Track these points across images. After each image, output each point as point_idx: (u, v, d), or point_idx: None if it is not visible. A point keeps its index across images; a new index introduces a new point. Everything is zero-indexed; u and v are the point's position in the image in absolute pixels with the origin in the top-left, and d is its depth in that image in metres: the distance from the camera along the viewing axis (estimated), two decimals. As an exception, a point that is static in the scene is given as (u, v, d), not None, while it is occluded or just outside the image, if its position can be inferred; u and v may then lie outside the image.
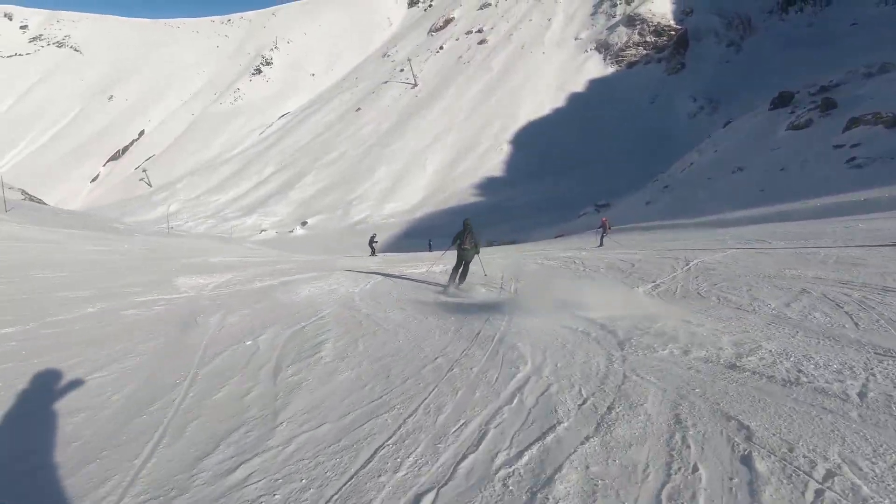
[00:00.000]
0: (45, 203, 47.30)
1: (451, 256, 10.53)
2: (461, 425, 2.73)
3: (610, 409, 2.78)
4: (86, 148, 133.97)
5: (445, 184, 77.31)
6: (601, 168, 68.61)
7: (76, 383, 3.70)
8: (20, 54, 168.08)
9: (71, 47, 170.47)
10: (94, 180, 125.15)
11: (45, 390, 3.62)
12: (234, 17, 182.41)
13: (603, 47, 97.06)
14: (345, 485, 2.25)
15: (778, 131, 36.33)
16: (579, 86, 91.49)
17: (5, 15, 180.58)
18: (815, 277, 5.94)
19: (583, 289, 6.57)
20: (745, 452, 2.24)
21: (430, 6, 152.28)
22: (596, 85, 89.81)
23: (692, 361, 3.43)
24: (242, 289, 8.88)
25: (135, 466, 2.54)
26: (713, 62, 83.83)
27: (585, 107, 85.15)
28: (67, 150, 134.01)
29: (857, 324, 3.98)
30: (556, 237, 38.17)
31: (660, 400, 2.84)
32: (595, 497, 2.03)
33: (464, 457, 2.40)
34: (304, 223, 74.16)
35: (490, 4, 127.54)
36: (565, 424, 2.64)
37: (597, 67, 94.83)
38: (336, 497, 2.16)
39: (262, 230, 74.47)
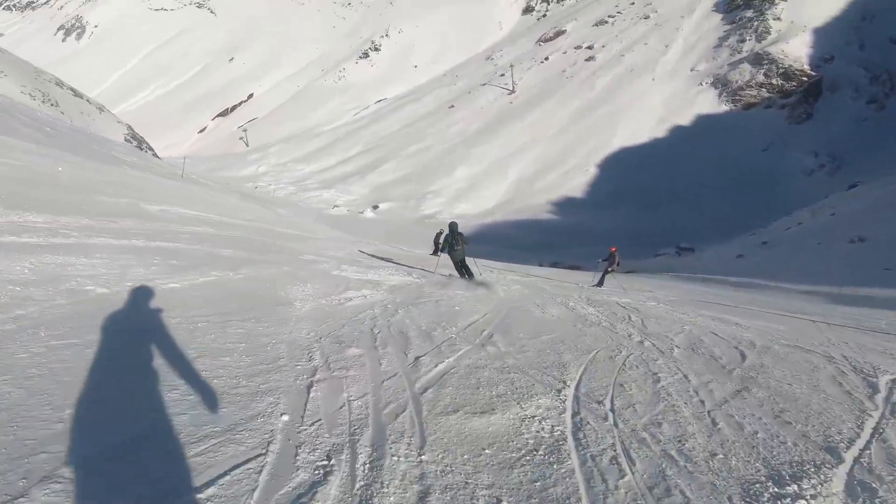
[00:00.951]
0: (151, 147, 50.93)
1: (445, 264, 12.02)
2: None
3: None
4: (201, 102, 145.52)
5: (523, 195, 75.29)
6: (689, 209, 63.50)
7: None
8: (165, 9, 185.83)
9: (208, 9, 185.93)
10: (201, 132, 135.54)
11: None
12: (356, 0, 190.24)
13: (720, 83, 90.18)
14: None
15: (916, 205, 31.20)
16: (685, 119, 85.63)
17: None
18: None
19: None
20: None
21: (545, 16, 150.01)
22: (704, 121, 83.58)
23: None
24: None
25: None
26: (846, 118, 75.04)
27: (686, 142, 79.49)
28: (186, 101, 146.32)
29: None
30: (628, 272, 35.34)
31: None
32: None
33: None
34: (375, 207, 75.26)
35: (607, 22, 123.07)
36: None
37: (709, 103, 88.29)
38: None
39: (335, 206, 76.50)
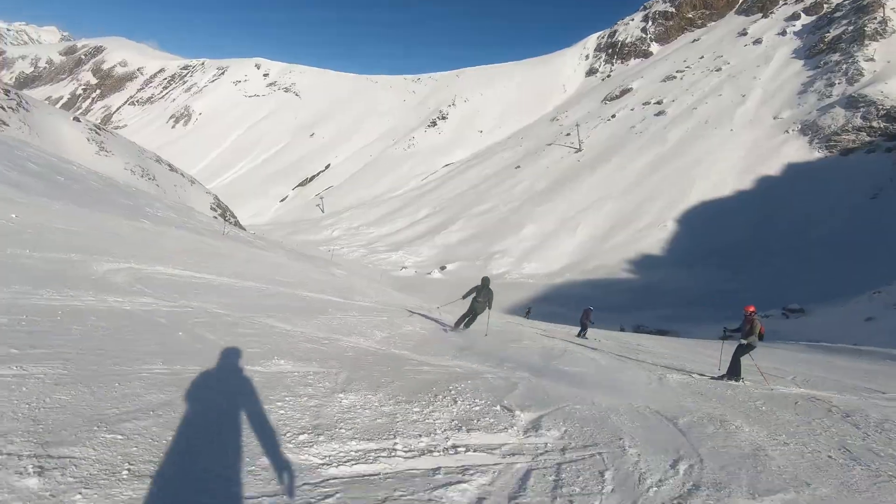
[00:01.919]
0: (234, 215, 54.46)
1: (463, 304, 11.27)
2: None
3: None
4: (284, 173, 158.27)
5: (595, 253, 71.78)
6: (787, 266, 56.64)
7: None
8: (258, 95, 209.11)
9: (294, 92, 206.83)
10: (282, 200, 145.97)
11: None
12: (424, 76, 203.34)
13: (810, 129, 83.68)
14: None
15: None
16: (772, 169, 79.43)
17: (255, 65, 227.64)
18: None
19: None
20: None
21: (609, 76, 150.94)
22: (795, 170, 77.01)
23: None
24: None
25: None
26: (970, 160, 65.95)
27: (777, 193, 73.08)
28: (270, 173, 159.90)
29: None
30: (721, 339, 31.00)
31: None
32: None
33: None
34: (442, 267, 74.82)
35: (675, 77, 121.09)
36: None
37: (798, 151, 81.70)
38: None
39: (403, 267, 77.07)
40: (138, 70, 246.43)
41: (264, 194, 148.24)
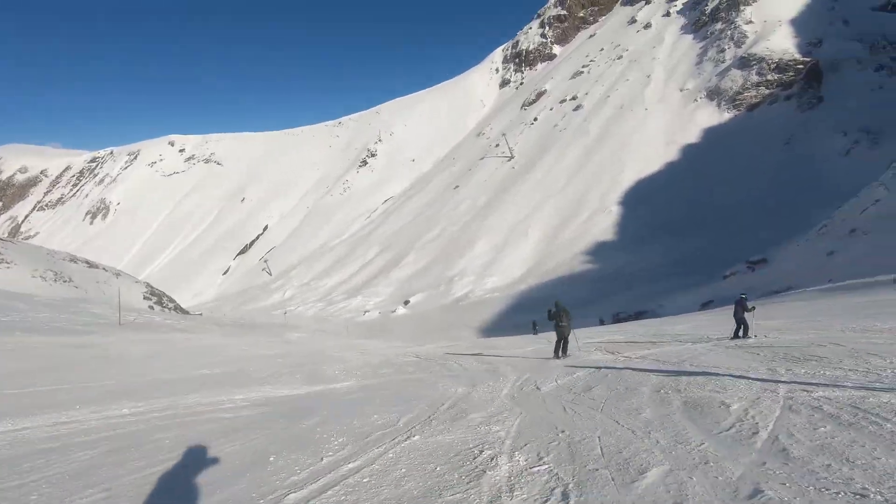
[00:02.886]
0: (172, 300, 49.96)
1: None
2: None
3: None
4: (220, 245, 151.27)
5: (551, 253, 71.66)
6: (733, 221, 58.56)
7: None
8: (177, 172, 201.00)
9: (215, 162, 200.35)
10: (225, 273, 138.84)
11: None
12: (345, 119, 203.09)
13: (715, 94, 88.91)
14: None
15: None
16: (692, 136, 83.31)
17: (169, 142, 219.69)
18: None
19: None
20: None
21: (521, 83, 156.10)
22: (712, 133, 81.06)
23: None
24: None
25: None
26: (861, 90, 71.59)
27: (703, 158, 76.38)
28: (206, 247, 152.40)
29: None
30: (703, 305, 30.45)
31: None
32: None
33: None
34: (406, 302, 72.23)
35: (582, 72, 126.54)
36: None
37: (710, 116, 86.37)
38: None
39: (365, 311, 73.79)
40: (41, 173, 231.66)
41: (203, 271, 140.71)
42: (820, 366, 6.04)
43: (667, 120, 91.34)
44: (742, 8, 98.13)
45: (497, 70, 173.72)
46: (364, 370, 10.20)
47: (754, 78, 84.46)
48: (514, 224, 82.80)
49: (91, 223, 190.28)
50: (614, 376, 6.72)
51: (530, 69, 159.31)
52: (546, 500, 2.79)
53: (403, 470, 3.56)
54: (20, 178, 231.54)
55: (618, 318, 35.02)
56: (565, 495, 2.81)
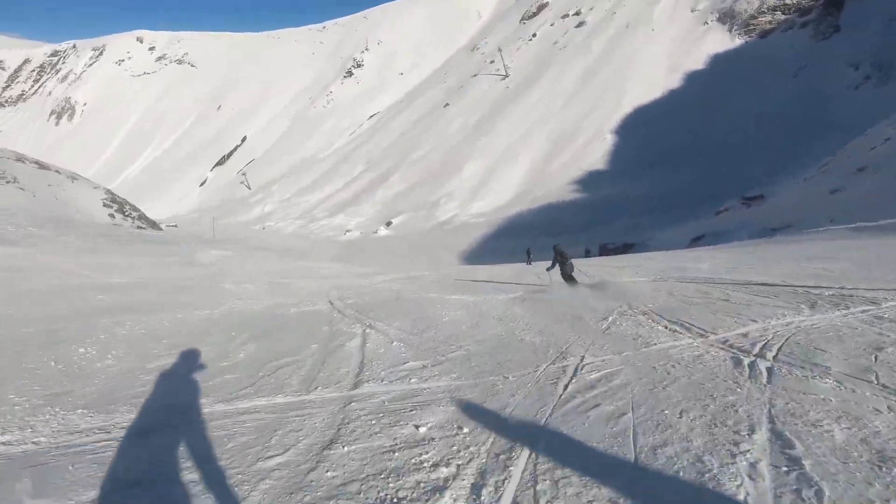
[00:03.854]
0: (136, 209, 47.16)
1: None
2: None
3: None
4: (197, 154, 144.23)
5: (541, 179, 69.61)
6: (733, 155, 56.68)
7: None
8: (147, 73, 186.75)
9: (188, 63, 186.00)
10: (202, 184, 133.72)
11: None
12: (329, 23, 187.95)
13: (727, 17, 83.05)
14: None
15: None
16: (698, 63, 78.75)
17: (137, 39, 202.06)
18: None
19: None
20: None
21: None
22: (720, 60, 76.60)
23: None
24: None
25: None
26: (880, 22, 67.13)
27: (707, 86, 72.65)
28: (181, 157, 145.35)
29: None
30: (693, 241, 29.49)
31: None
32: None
33: None
34: (388, 223, 70.68)
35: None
36: None
37: (720, 41, 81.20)
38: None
39: (346, 230, 72.21)
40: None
41: (180, 179, 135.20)
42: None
43: (673, 43, 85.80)
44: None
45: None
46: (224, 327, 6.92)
47: (771, 1, 78.59)
48: (506, 148, 79.60)
49: (57, 124, 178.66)
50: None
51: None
52: None
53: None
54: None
55: (605, 250, 34.10)
56: None
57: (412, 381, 4.26)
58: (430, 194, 75.62)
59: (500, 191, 70.55)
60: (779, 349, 4.33)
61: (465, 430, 3.17)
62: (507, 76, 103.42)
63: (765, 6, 78.95)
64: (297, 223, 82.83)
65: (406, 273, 18.90)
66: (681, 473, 2.49)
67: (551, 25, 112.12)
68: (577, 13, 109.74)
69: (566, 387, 3.82)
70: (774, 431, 2.83)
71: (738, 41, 79.20)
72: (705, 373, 3.91)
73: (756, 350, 4.36)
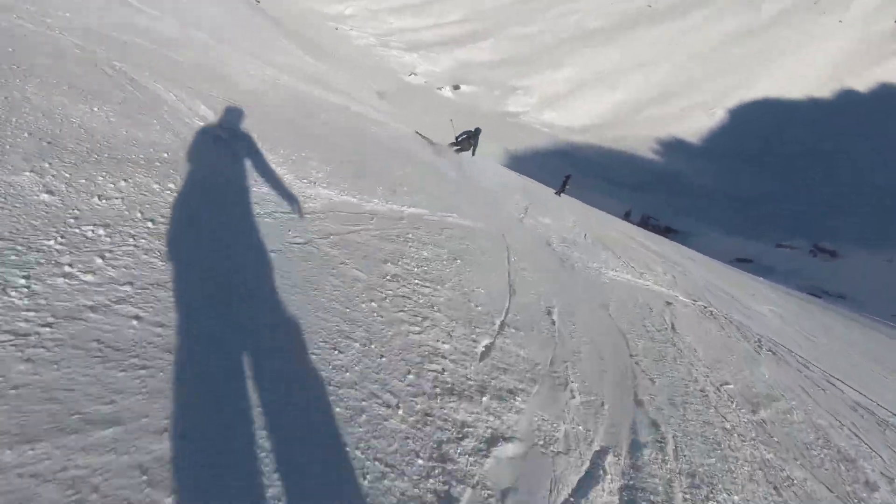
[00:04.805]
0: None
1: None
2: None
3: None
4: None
5: (626, 121, 63.25)
6: (838, 201, 50.29)
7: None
8: None
9: None
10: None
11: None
12: None
13: (932, 47, 69.23)
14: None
15: None
16: (864, 83, 67.35)
17: None
18: None
19: None
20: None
21: None
22: (891, 95, 65.39)
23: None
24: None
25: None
26: None
27: (858, 113, 62.91)
28: None
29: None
30: (739, 260, 26.71)
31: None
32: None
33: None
34: (456, 86, 65.73)
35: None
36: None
37: (903, 70, 68.63)
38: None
39: (412, 73, 67.28)
40: None
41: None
42: None
43: (855, 46, 72.51)
44: None
45: None
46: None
47: None
48: (610, 70, 71.20)
49: None
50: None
51: None
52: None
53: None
54: None
55: (646, 223, 31.33)
56: None
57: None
58: (511, 78, 69.31)
59: (581, 113, 64.48)
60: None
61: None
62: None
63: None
64: (370, 41, 77.09)
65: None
66: None
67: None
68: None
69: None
70: None
71: (922, 80, 66.91)
72: None
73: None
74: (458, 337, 3.35)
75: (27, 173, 2.69)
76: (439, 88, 65.14)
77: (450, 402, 2.70)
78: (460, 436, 2.49)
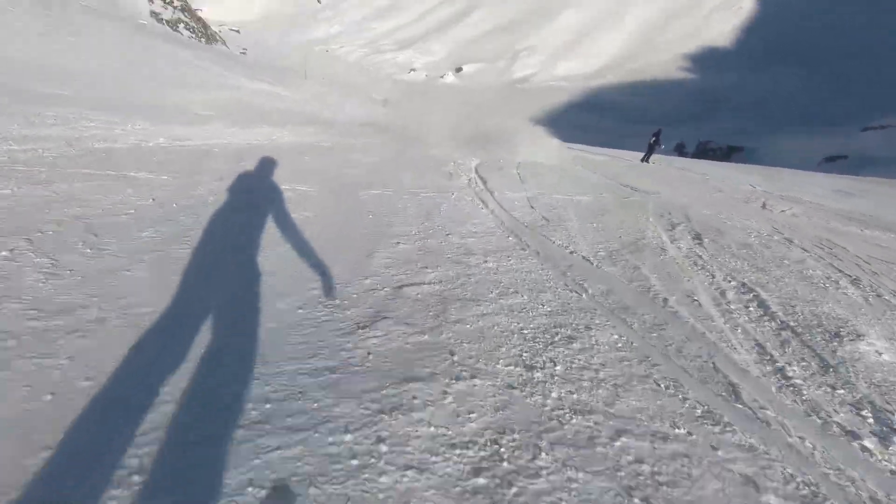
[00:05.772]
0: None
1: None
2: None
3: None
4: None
5: (645, 49, 58.11)
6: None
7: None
8: None
9: None
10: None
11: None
12: None
13: None
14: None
15: None
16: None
17: None
18: None
19: None
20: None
21: None
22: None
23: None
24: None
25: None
26: None
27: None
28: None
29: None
30: (828, 160, 22.77)
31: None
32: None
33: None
34: (458, 69, 63.14)
35: None
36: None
37: None
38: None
39: (411, 70, 65.34)
40: None
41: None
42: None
43: None
44: None
45: None
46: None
47: None
48: (615, 1, 65.93)
49: None
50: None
51: None
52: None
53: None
54: None
55: (705, 151, 27.68)
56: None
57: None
58: (511, 44, 65.76)
59: (595, 54, 59.97)
60: None
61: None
62: None
63: None
64: (360, 52, 75.92)
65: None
66: None
67: None
68: None
69: None
70: None
71: None
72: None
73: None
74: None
75: None
76: (441, 77, 62.81)
77: None
78: None
